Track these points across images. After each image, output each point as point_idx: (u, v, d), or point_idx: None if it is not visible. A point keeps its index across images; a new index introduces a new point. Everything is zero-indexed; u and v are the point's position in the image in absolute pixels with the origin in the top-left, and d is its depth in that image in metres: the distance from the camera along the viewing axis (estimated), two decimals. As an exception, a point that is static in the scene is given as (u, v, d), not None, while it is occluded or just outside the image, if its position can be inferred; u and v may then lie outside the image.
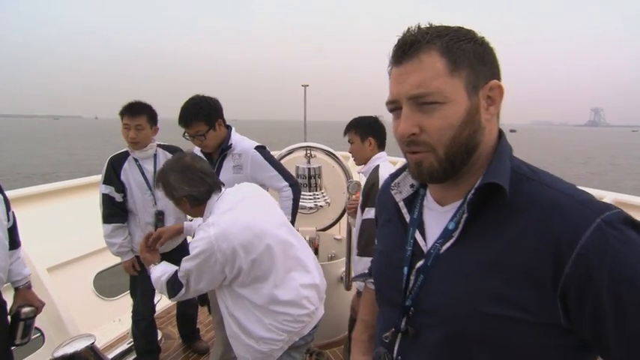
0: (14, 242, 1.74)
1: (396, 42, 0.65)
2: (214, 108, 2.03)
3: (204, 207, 1.56)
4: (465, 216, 0.63)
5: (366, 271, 1.03)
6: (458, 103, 0.61)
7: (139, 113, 2.15)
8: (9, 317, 1.70)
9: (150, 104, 2.24)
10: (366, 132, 1.97)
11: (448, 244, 0.66)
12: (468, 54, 0.62)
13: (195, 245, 1.41)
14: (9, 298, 1.73)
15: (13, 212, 1.75)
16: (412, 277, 0.69)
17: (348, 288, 2.51)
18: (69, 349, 1.98)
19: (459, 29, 0.64)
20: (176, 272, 1.49)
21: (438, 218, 0.70)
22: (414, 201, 0.77)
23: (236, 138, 2.14)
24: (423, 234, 0.71)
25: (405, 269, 0.71)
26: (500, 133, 0.69)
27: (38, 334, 2.50)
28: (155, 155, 2.30)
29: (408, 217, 0.75)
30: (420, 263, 0.68)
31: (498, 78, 0.65)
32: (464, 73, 0.61)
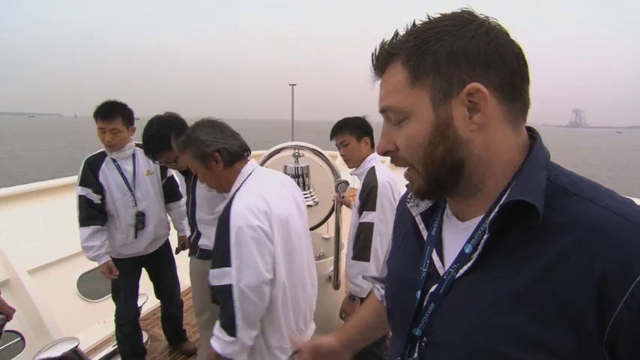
0: None
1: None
2: (177, 129, 1.85)
3: (236, 172, 1.41)
4: (485, 237, 0.53)
5: (377, 275, 0.95)
6: (420, 119, 0.54)
7: (112, 116, 2.07)
8: None
9: (124, 103, 2.15)
10: (361, 132, 1.94)
11: (465, 268, 0.56)
12: (436, 57, 0.53)
13: (231, 224, 1.26)
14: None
15: None
16: (425, 303, 0.61)
17: (336, 287, 2.51)
18: (51, 354, 1.94)
19: (437, 24, 0.55)
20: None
21: (457, 235, 0.61)
22: (432, 214, 0.67)
23: None
24: (440, 254, 0.62)
25: (418, 293, 0.62)
26: (534, 136, 0.58)
27: (18, 339, 2.44)
28: (134, 155, 2.24)
29: (425, 234, 0.66)
30: (433, 288, 0.60)
31: (498, 77, 0.52)
32: (429, 81, 0.53)
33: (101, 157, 2.19)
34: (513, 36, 0.55)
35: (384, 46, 0.58)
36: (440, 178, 0.56)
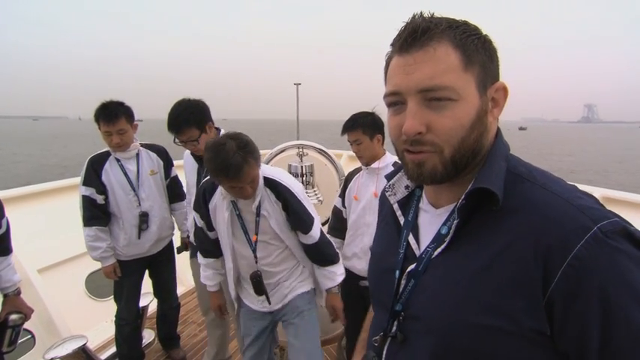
0: (5, 249, 1.72)
1: (402, 27, 0.59)
2: (204, 111, 1.98)
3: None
4: (455, 221, 0.60)
5: None
6: (469, 102, 0.57)
7: (117, 117, 2.06)
8: None
9: (121, 101, 2.13)
10: (372, 130, 1.95)
11: (440, 249, 0.63)
12: (479, 50, 0.58)
13: (296, 191, 1.64)
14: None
15: (7, 219, 1.72)
16: (403, 281, 0.67)
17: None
18: (60, 351, 1.97)
19: (467, 23, 0.60)
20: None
21: (432, 221, 0.67)
22: (408, 202, 0.74)
23: None
24: (416, 237, 0.69)
25: (397, 273, 0.68)
26: (497, 133, 0.64)
27: (29, 336, 2.48)
28: (138, 155, 2.24)
29: (402, 220, 0.73)
30: (411, 267, 0.66)
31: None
32: (476, 69, 0.57)
33: (105, 156, 2.18)
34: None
35: (426, 21, 0.57)
36: (461, 162, 0.59)
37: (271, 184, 1.62)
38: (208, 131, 2.01)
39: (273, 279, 1.72)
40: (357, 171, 2.11)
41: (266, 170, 1.65)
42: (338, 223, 2.18)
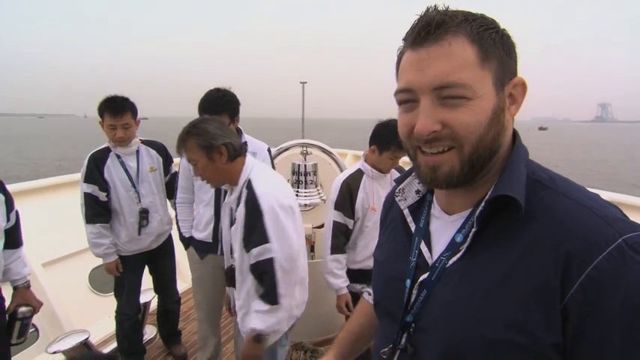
0: (15, 242, 1.74)
1: (415, 20, 0.55)
2: (237, 103, 1.99)
3: (241, 166, 1.49)
4: (473, 230, 0.57)
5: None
6: (485, 99, 0.54)
7: (123, 111, 2.06)
8: (6, 316, 1.70)
9: (127, 97, 2.13)
10: None
11: (455, 258, 0.59)
12: (497, 44, 0.55)
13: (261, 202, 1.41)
14: (7, 296, 1.73)
15: (16, 211, 1.74)
16: (415, 291, 0.63)
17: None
18: (63, 345, 1.99)
19: (484, 16, 0.56)
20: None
21: (444, 228, 0.64)
22: (420, 208, 0.70)
23: (247, 137, 2.11)
24: (428, 245, 0.65)
25: (408, 282, 0.64)
26: (515, 135, 0.61)
27: (32, 330, 2.50)
28: (138, 151, 2.24)
29: (413, 227, 0.69)
30: (423, 276, 0.62)
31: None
32: (493, 65, 0.54)
33: (106, 152, 2.17)
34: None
35: (441, 14, 0.54)
36: (478, 162, 0.56)
37: (249, 186, 1.46)
38: (235, 124, 2.01)
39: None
40: (356, 178, 1.99)
41: (254, 171, 1.51)
42: (343, 239, 1.98)
